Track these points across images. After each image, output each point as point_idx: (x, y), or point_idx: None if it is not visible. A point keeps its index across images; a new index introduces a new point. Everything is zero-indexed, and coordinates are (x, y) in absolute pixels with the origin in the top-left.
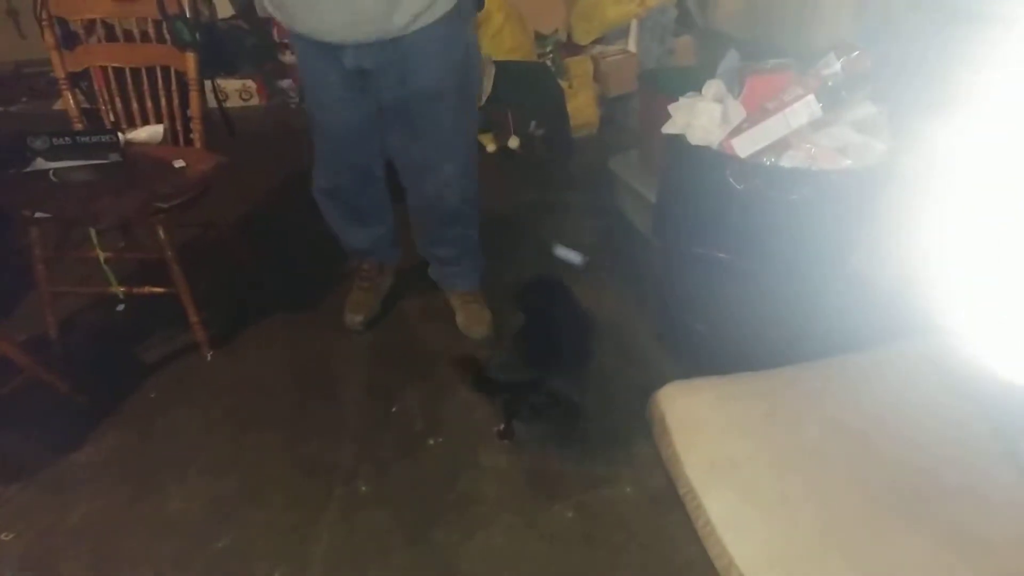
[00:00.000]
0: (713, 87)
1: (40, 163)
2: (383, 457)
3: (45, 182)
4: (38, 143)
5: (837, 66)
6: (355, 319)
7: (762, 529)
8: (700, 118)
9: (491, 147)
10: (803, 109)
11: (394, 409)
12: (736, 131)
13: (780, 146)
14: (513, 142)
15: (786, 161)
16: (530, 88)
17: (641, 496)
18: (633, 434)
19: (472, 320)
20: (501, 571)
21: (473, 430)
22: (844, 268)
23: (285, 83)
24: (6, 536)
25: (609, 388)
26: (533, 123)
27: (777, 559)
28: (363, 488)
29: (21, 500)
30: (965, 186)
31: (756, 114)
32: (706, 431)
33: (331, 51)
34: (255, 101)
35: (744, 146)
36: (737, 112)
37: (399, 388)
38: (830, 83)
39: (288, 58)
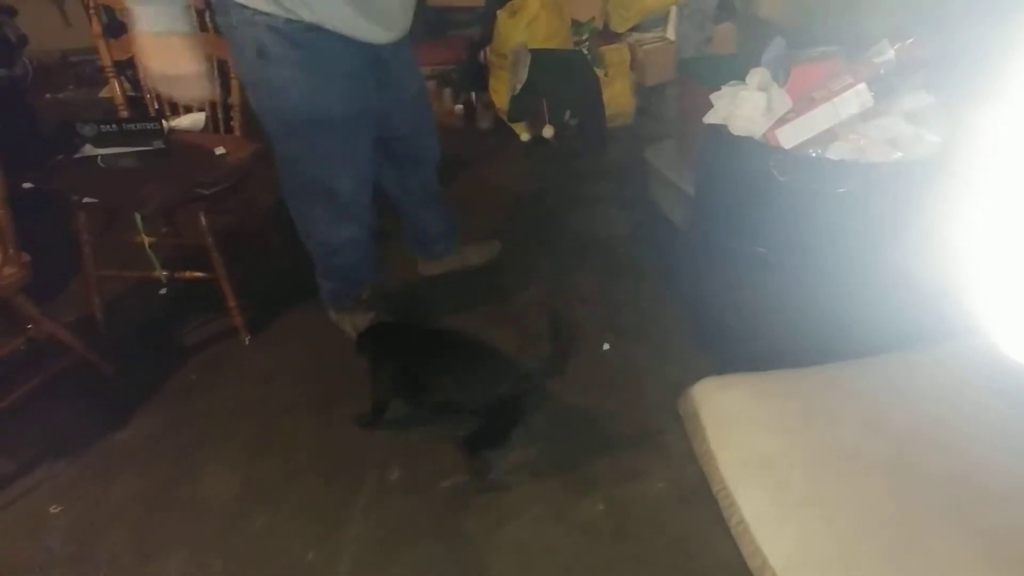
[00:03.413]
0: (757, 75)
1: (88, 149)
2: (414, 446)
3: (93, 168)
4: (87, 130)
5: (890, 53)
6: None
7: (797, 529)
8: (743, 107)
9: (525, 136)
10: (853, 98)
11: None
12: (781, 121)
13: (827, 137)
14: (547, 131)
15: (833, 153)
16: (565, 77)
17: (673, 492)
18: (665, 429)
19: (483, 247)
20: (530, 563)
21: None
22: (888, 264)
23: None
24: (54, 509)
25: (641, 382)
26: (568, 112)
27: (812, 561)
28: (394, 476)
29: (68, 476)
30: (1020, 182)
31: (802, 103)
32: (741, 428)
33: (371, 51)
34: None
35: (789, 136)
36: (782, 101)
37: None
38: (882, 71)
39: None
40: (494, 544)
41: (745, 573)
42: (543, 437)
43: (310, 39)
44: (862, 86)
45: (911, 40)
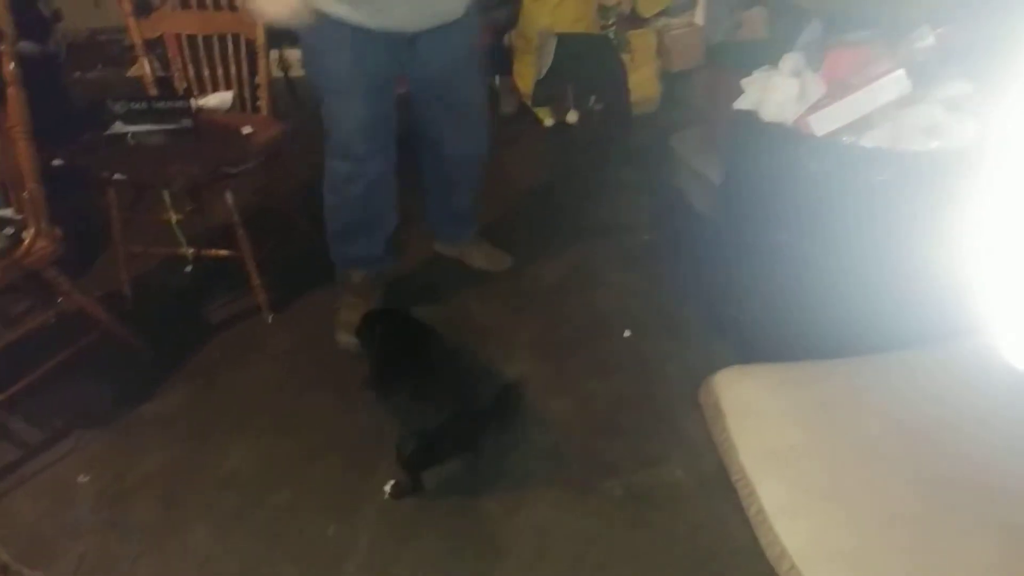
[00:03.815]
0: (791, 60)
1: (119, 126)
2: None
3: (123, 145)
4: (117, 107)
5: (931, 39)
6: (350, 340)
7: (816, 520)
8: (775, 93)
9: (548, 121)
10: (891, 85)
11: None
12: (814, 108)
13: (861, 125)
14: (571, 116)
15: (867, 141)
16: (591, 62)
17: (691, 479)
18: (684, 417)
19: (494, 256)
20: (547, 547)
21: (523, 405)
22: (917, 257)
23: None
24: (83, 478)
25: (661, 370)
26: (593, 98)
27: (831, 552)
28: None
29: (97, 446)
30: None
31: (837, 89)
32: (762, 418)
33: (380, 32)
34: None
35: (822, 123)
36: (816, 87)
37: None
38: (921, 58)
39: None
40: (512, 527)
41: (762, 562)
42: (562, 422)
43: (333, 31)
44: (901, 72)
45: (952, 26)
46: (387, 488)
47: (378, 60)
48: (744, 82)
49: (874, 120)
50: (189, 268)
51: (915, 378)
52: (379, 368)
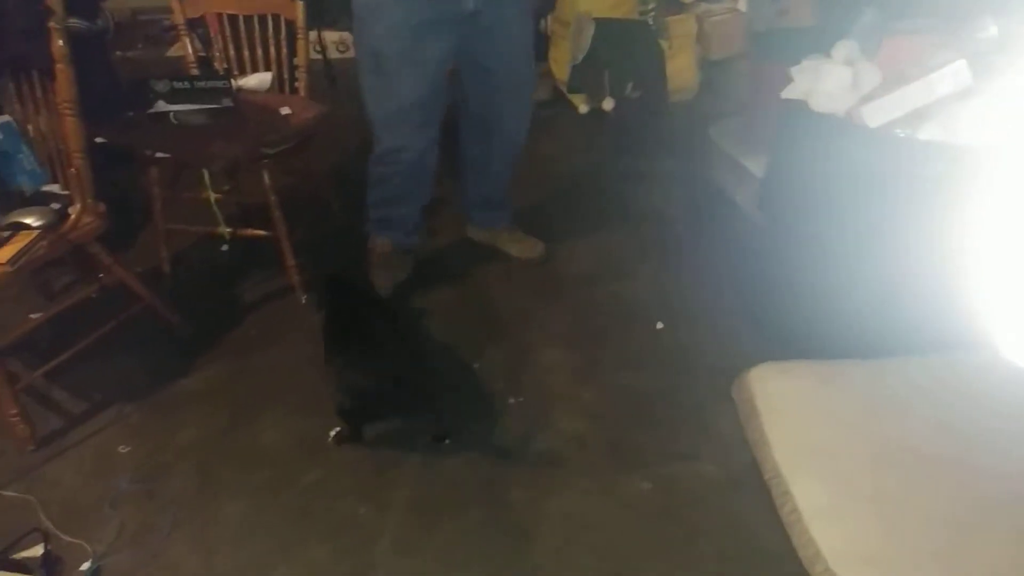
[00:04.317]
0: (844, 48)
1: (161, 105)
2: (464, 412)
3: (166, 124)
4: (160, 86)
5: (993, 30)
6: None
7: (853, 523)
8: (826, 82)
9: (583, 108)
10: (950, 76)
11: (476, 366)
12: (867, 98)
13: (916, 117)
14: (608, 104)
15: (923, 133)
16: (629, 48)
17: (722, 476)
18: (717, 412)
19: (527, 243)
20: (574, 535)
21: (553, 393)
22: (968, 255)
23: None
24: (123, 449)
25: (693, 363)
26: (630, 85)
27: (867, 555)
28: (445, 440)
29: (136, 419)
30: None
31: (893, 80)
32: (799, 416)
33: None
34: (351, 53)
35: (876, 115)
36: (871, 77)
37: (481, 346)
38: (982, 49)
39: None
40: (539, 514)
41: (792, 561)
42: (592, 412)
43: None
44: (961, 63)
45: (1015, 16)
46: (331, 434)
47: (437, 37)
48: (794, 70)
49: (930, 112)
50: (226, 247)
51: (958, 381)
52: (326, 336)
